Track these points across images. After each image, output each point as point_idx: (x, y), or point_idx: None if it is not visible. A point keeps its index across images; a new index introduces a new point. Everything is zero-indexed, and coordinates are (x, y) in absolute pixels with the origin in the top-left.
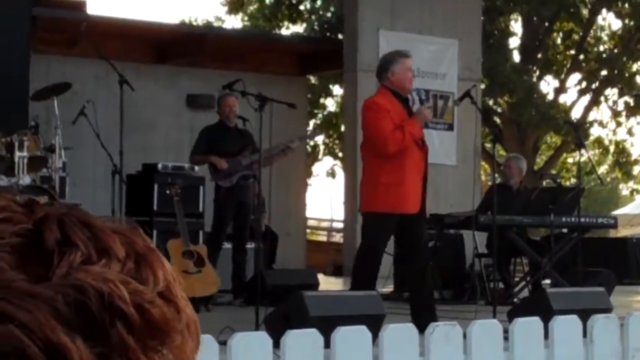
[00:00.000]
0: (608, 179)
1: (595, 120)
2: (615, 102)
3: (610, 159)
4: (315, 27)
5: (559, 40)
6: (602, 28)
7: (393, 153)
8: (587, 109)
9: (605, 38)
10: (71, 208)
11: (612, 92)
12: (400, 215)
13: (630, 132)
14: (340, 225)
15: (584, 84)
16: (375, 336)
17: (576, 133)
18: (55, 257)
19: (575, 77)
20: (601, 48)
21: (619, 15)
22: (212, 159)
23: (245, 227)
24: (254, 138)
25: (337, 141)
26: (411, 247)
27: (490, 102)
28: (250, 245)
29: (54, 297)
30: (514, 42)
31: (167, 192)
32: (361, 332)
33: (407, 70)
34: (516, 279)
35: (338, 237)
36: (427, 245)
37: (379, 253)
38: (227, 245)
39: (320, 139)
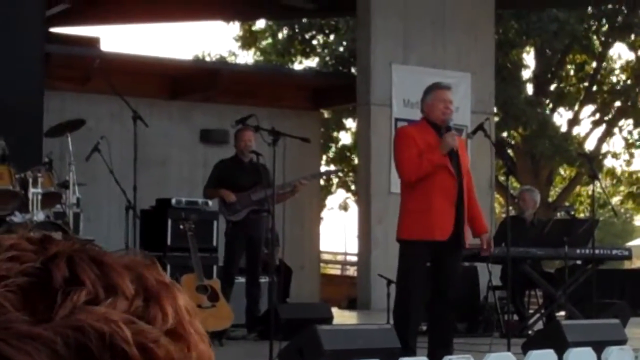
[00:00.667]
0: (622, 210)
1: (608, 152)
2: (630, 133)
3: (623, 190)
4: (328, 62)
5: (571, 72)
6: (614, 60)
7: (413, 180)
8: (601, 141)
9: (618, 70)
10: (85, 244)
11: (625, 124)
12: (431, 243)
13: None
14: (354, 258)
15: (597, 116)
16: None
17: (590, 165)
18: (59, 297)
19: (589, 108)
20: (614, 79)
21: (631, 47)
22: (221, 193)
23: (257, 262)
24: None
25: (350, 174)
26: (442, 279)
27: (504, 135)
28: (264, 280)
29: (53, 339)
30: (527, 74)
31: (181, 227)
32: None
33: (439, 101)
34: (530, 311)
35: (352, 271)
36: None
37: (413, 281)
38: (241, 280)
39: None
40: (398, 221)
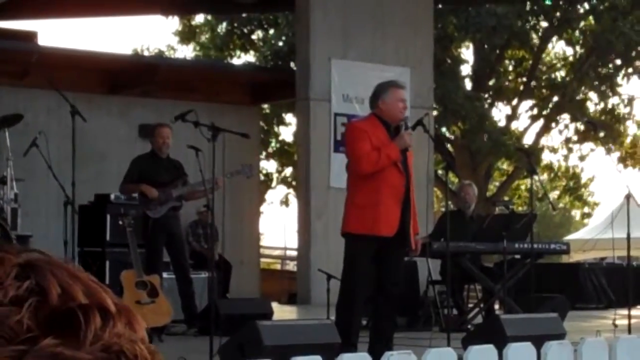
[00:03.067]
0: (560, 205)
1: (546, 146)
2: (566, 127)
3: (560, 184)
4: (267, 56)
5: (510, 68)
6: (554, 55)
7: (367, 173)
8: (539, 135)
9: (558, 65)
10: (44, 254)
11: (563, 119)
12: (376, 238)
13: (582, 158)
14: (294, 253)
15: (535, 111)
16: None
17: (528, 159)
18: (81, 318)
19: (527, 103)
20: (552, 75)
21: (569, 42)
22: (142, 188)
23: (182, 258)
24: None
25: (290, 169)
26: (385, 275)
27: (443, 130)
28: (203, 275)
29: None
30: (466, 69)
31: (120, 222)
32: None
33: (398, 100)
34: (470, 306)
35: (292, 265)
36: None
37: (358, 276)
38: (173, 276)
39: (273, 167)
40: (344, 215)
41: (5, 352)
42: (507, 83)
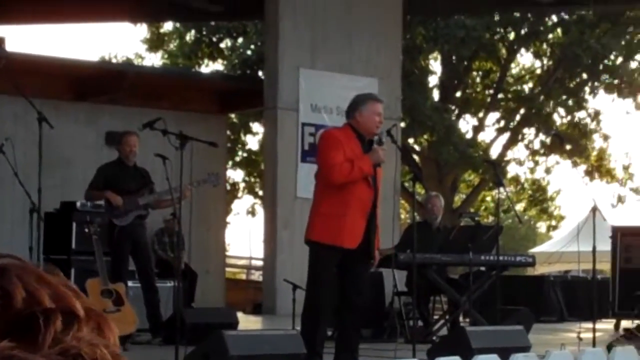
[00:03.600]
0: (525, 217)
1: (513, 159)
2: (532, 142)
3: (526, 197)
4: (236, 65)
5: (477, 79)
6: (522, 67)
7: (338, 183)
8: (505, 148)
9: (525, 77)
10: (10, 257)
11: (529, 131)
12: (339, 249)
13: (548, 171)
14: (260, 263)
15: (502, 123)
16: None
17: (495, 171)
18: (40, 322)
19: (494, 115)
20: (519, 87)
21: (536, 55)
22: (107, 195)
23: (148, 266)
24: (169, 177)
25: (257, 179)
26: (349, 286)
27: (410, 141)
28: (169, 284)
29: None
30: (434, 80)
31: (86, 230)
32: None
33: (375, 114)
34: (435, 317)
35: (257, 275)
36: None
37: (321, 283)
38: (138, 284)
39: (240, 176)
40: (308, 222)
41: None
42: (474, 95)
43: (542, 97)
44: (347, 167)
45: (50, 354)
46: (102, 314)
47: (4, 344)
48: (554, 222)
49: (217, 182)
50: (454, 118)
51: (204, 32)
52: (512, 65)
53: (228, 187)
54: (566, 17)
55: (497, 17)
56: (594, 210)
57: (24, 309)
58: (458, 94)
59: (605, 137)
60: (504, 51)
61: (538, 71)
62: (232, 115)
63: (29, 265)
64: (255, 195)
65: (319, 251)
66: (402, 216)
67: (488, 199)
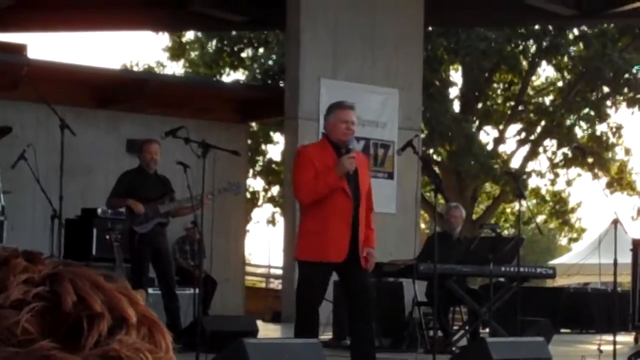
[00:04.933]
0: (546, 230)
1: (533, 171)
2: (554, 153)
3: (547, 208)
4: (257, 75)
5: (498, 91)
6: (545, 79)
7: (307, 202)
8: (526, 160)
9: (548, 89)
10: (70, 264)
11: (550, 144)
12: (327, 265)
13: (569, 183)
14: (279, 272)
15: (522, 135)
16: None
17: (515, 183)
18: (84, 324)
19: (515, 127)
20: (540, 100)
21: (557, 68)
22: (129, 203)
23: (168, 273)
24: (189, 184)
25: (277, 188)
26: (356, 296)
27: (430, 151)
28: (189, 291)
29: None
30: (454, 92)
31: (107, 237)
32: None
33: (341, 121)
34: (455, 328)
35: (276, 284)
36: (374, 295)
37: (311, 301)
38: (156, 292)
39: (260, 185)
40: (296, 242)
41: None
42: (495, 106)
43: (563, 110)
44: (311, 184)
45: (90, 355)
46: (157, 322)
47: (44, 343)
48: (575, 235)
49: (238, 190)
50: (474, 129)
51: (226, 42)
52: (534, 77)
53: (248, 196)
54: (588, 30)
55: (519, 30)
56: (616, 222)
57: (73, 313)
58: (479, 106)
59: (627, 151)
60: (524, 63)
61: (559, 83)
62: (253, 124)
63: (88, 271)
64: (276, 204)
65: (306, 270)
66: (422, 226)
67: (508, 210)
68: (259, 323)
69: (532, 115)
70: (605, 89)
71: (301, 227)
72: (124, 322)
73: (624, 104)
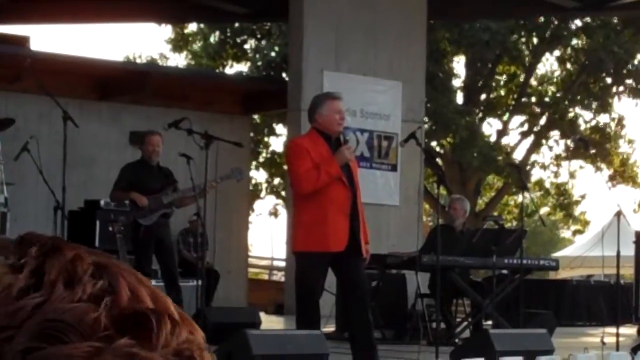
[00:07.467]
0: (549, 222)
1: (536, 163)
2: (556, 142)
3: (551, 200)
4: (260, 66)
5: (501, 83)
6: (549, 67)
7: (308, 192)
8: (529, 152)
9: (550, 81)
10: (98, 253)
11: (553, 135)
12: (327, 254)
13: (572, 175)
14: (281, 263)
15: (526, 127)
16: None
17: (519, 175)
18: (153, 322)
19: (518, 119)
20: (543, 91)
21: (560, 60)
22: (132, 196)
23: (171, 265)
24: (193, 176)
25: (280, 180)
26: (352, 287)
27: (433, 144)
28: (192, 283)
29: None
30: (457, 83)
31: (110, 229)
32: None
33: (334, 112)
34: (457, 320)
35: (279, 276)
36: (370, 285)
37: (312, 292)
38: (162, 283)
39: (262, 177)
40: (292, 234)
41: (83, 347)
42: (498, 98)
43: (565, 102)
44: (313, 174)
45: (167, 353)
46: (189, 318)
47: (124, 341)
48: (579, 227)
49: (241, 176)
50: (477, 121)
51: (228, 34)
52: (537, 67)
53: (251, 188)
54: (590, 22)
55: (521, 22)
56: (619, 214)
57: (129, 307)
58: (482, 97)
59: (630, 142)
60: (527, 54)
61: (562, 73)
62: (255, 117)
63: (122, 264)
64: (278, 196)
65: (306, 260)
66: (424, 219)
67: (511, 202)
68: (262, 315)
69: (535, 107)
70: (608, 80)
71: (297, 218)
72: (173, 320)
73: (625, 95)
